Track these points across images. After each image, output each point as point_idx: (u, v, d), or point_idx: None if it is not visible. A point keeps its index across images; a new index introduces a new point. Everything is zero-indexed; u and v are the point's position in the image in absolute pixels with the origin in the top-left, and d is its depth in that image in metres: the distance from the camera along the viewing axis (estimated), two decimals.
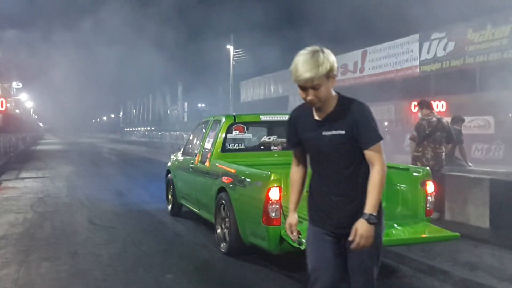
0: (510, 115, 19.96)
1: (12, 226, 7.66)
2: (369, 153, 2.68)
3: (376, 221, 2.65)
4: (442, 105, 20.72)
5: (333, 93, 2.72)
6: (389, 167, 6.06)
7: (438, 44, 24.57)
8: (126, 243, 6.63)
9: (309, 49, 2.61)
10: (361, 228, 2.62)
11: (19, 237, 6.95)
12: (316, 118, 2.76)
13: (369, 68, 30.04)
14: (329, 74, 2.60)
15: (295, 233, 2.97)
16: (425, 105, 8.08)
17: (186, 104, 72.60)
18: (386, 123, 26.80)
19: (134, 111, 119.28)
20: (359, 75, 30.89)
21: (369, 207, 2.65)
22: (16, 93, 51.34)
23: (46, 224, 7.84)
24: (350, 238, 2.66)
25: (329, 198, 2.80)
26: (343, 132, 2.67)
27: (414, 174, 5.51)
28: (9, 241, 6.71)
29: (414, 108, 20.84)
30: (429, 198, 5.35)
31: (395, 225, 5.31)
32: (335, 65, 2.63)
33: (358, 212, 2.69)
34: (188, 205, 7.93)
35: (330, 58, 2.60)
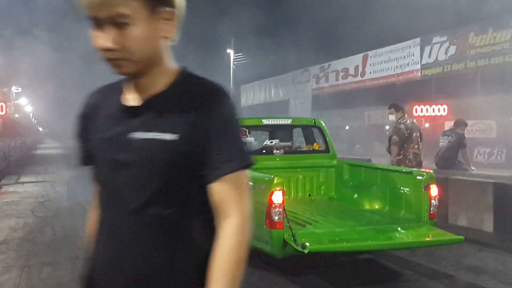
0: None
1: (13, 230, 7.61)
2: (219, 190, 1.34)
3: None
4: (444, 109, 20.76)
5: (171, 63, 1.42)
6: (392, 170, 6.15)
7: (440, 48, 24.61)
8: None
9: None
10: None
11: (20, 241, 6.91)
12: (129, 102, 1.40)
13: (370, 72, 30.07)
14: (159, 6, 1.32)
15: None
16: (400, 108, 8.08)
17: None
18: (387, 127, 26.78)
19: None
20: (360, 79, 30.92)
21: None
22: (15, 98, 51.41)
23: (47, 229, 7.80)
24: None
25: (115, 276, 1.38)
26: (174, 137, 1.32)
27: (418, 177, 5.47)
28: (10, 245, 6.67)
29: (415, 112, 20.91)
30: (432, 201, 5.31)
31: (399, 228, 5.27)
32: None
33: None
34: None
35: None
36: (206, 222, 1.39)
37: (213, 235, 1.36)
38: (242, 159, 1.37)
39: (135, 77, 1.37)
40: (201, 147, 1.33)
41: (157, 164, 1.33)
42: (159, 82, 1.38)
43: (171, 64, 1.42)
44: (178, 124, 1.33)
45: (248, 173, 1.40)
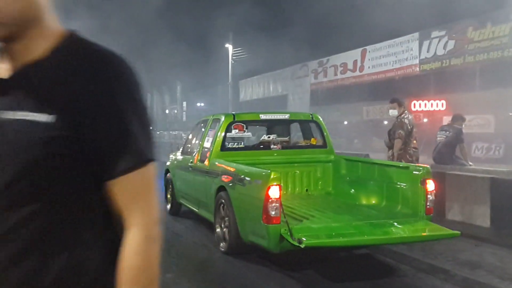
0: (510, 113, 19.95)
1: None
2: (115, 193, 1.06)
3: None
4: (442, 104, 20.75)
5: (54, 25, 1.10)
6: (389, 165, 6.15)
7: (438, 42, 24.53)
8: None
9: None
10: None
11: None
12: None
13: (368, 67, 29.99)
14: None
15: None
16: (402, 103, 8.07)
17: (184, 103, 72.71)
18: (386, 122, 26.81)
19: None
20: (358, 74, 30.84)
21: None
22: None
23: None
24: None
25: None
26: (49, 118, 1.01)
27: (414, 172, 5.48)
28: None
29: (414, 107, 20.91)
30: (429, 196, 5.32)
31: (395, 223, 5.29)
32: None
33: None
34: (187, 205, 7.90)
35: None
36: (106, 236, 1.07)
37: (116, 249, 1.05)
38: (145, 151, 1.05)
39: (6, 42, 1.06)
40: (88, 133, 1.01)
41: (28, 154, 0.99)
42: (37, 48, 1.06)
43: (54, 26, 1.09)
44: (55, 101, 1.01)
45: (154, 167, 1.08)
